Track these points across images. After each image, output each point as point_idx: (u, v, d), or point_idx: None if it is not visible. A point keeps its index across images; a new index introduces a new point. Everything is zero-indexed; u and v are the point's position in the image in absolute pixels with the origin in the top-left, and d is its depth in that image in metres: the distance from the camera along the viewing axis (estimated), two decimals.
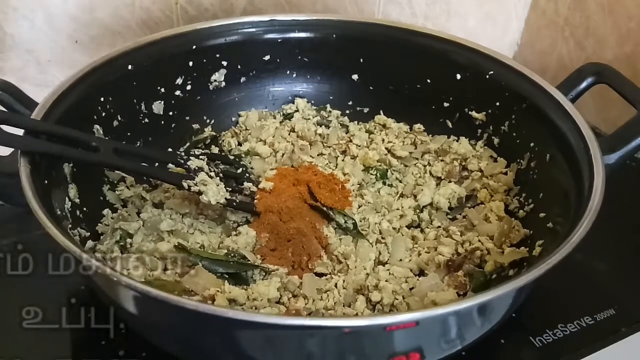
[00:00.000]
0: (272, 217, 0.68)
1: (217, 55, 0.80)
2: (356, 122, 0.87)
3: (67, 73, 0.67)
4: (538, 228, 0.65)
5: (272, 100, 0.88)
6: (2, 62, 0.81)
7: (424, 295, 0.61)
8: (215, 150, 0.82)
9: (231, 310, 0.47)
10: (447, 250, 0.67)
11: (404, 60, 0.83)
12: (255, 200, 0.70)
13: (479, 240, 0.68)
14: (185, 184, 0.67)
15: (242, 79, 0.84)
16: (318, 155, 0.81)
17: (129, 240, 0.65)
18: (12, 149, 0.59)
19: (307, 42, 0.84)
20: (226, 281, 0.60)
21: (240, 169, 0.77)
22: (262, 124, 0.84)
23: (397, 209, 0.74)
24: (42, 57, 0.83)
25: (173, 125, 0.80)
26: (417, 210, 0.74)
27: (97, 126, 0.70)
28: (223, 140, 0.83)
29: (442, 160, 0.79)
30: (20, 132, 0.58)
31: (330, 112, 0.87)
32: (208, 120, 0.84)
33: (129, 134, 0.74)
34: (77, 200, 0.64)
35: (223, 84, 0.83)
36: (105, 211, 0.69)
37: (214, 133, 0.83)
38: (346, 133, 0.84)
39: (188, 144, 0.81)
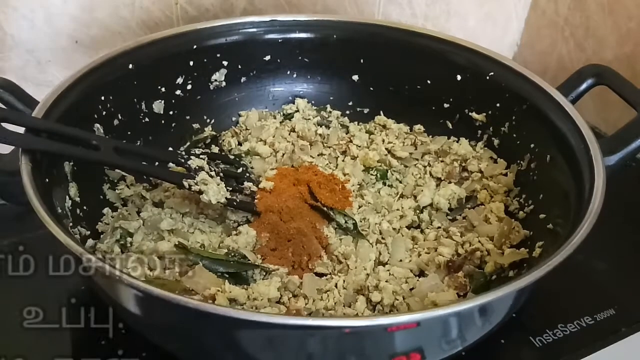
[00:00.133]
0: (272, 216, 0.68)
1: (218, 55, 0.80)
2: (356, 122, 0.87)
3: (67, 73, 0.67)
4: (538, 229, 0.66)
5: (273, 101, 0.88)
6: (3, 62, 0.81)
7: (424, 296, 0.61)
8: (215, 150, 0.82)
9: (233, 310, 0.47)
10: (447, 251, 0.67)
11: (404, 61, 0.83)
12: (256, 200, 0.70)
13: (479, 241, 0.68)
14: (185, 183, 0.67)
15: (243, 79, 0.84)
16: (318, 155, 0.81)
17: (129, 239, 0.65)
18: (13, 148, 0.59)
19: (307, 42, 0.84)
20: (226, 281, 0.60)
21: (241, 168, 0.77)
22: (263, 124, 0.84)
23: (397, 210, 0.74)
24: (42, 57, 0.83)
25: (173, 125, 0.80)
26: (417, 211, 0.74)
27: (97, 125, 0.70)
28: (223, 140, 0.83)
29: (442, 161, 0.80)
30: (21, 130, 0.58)
31: (330, 112, 0.87)
32: (208, 120, 0.84)
33: (129, 133, 0.74)
34: (78, 199, 0.64)
35: (223, 83, 0.83)
36: (106, 210, 0.69)
37: (214, 133, 0.84)
38: (346, 133, 0.84)
39: (188, 143, 0.81)
